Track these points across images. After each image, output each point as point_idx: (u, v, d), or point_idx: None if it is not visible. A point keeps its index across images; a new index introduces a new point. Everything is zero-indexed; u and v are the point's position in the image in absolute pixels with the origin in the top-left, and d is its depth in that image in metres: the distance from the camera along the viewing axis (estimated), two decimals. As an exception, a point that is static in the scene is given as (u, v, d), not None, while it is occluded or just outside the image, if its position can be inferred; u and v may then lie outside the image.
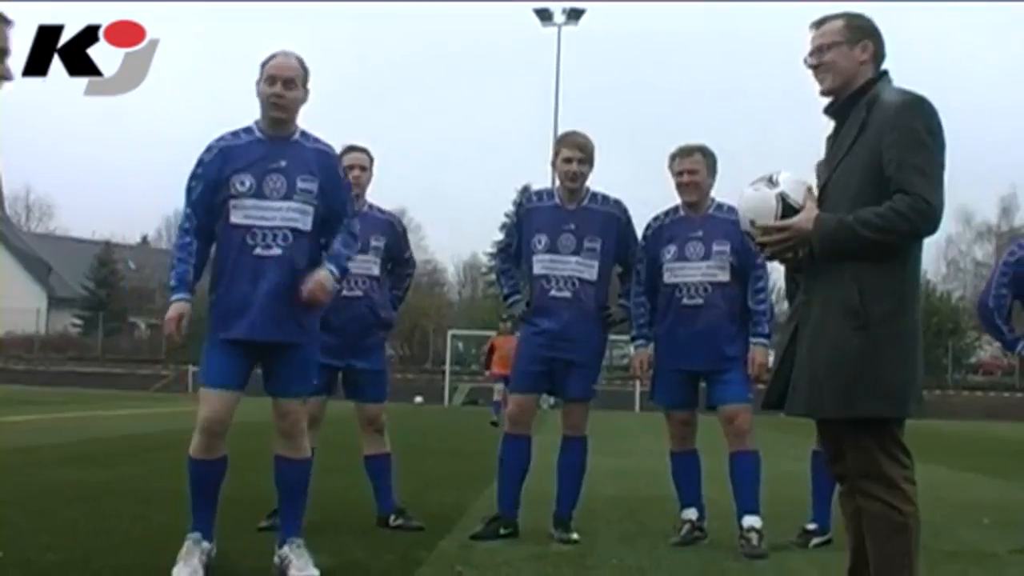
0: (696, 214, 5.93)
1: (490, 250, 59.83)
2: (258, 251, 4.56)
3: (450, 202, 77.73)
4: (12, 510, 6.24)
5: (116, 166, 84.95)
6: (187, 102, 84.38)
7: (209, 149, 4.66)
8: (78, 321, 52.37)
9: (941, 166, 3.51)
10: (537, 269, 5.97)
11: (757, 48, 72.79)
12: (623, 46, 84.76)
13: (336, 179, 4.80)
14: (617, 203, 6.06)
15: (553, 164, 6.10)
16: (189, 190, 4.66)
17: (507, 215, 56.02)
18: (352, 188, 5.98)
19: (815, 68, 3.69)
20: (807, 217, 3.55)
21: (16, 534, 5.37)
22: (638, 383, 31.46)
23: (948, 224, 59.41)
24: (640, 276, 6.01)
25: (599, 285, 6.00)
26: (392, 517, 6.12)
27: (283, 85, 4.61)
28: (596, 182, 6.07)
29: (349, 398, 6.36)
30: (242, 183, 4.58)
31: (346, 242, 4.80)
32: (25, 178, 76.30)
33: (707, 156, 5.93)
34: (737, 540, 5.68)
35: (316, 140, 4.77)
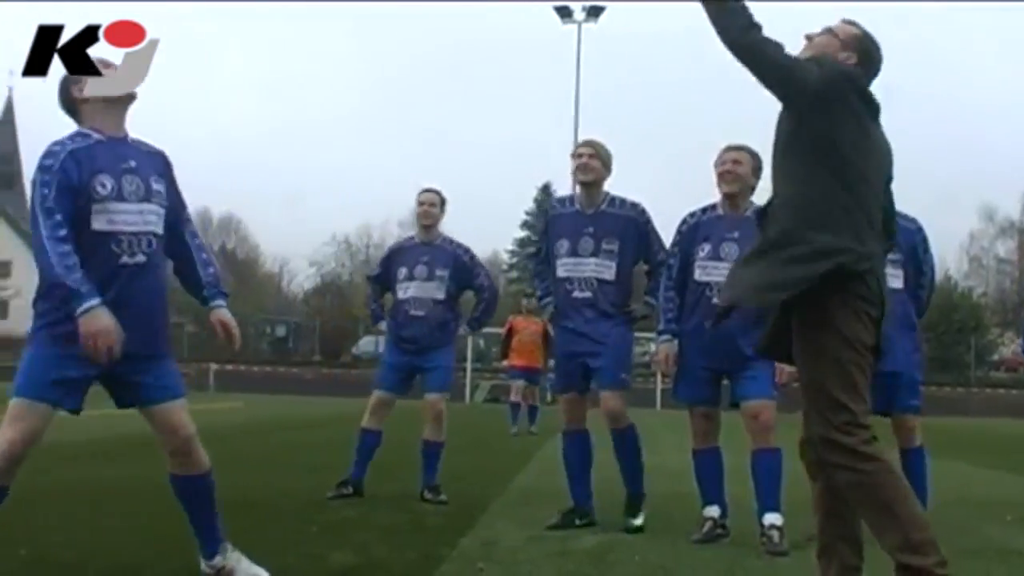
0: (734, 213, 5.93)
1: (510, 247, 59.88)
2: (124, 259, 4.11)
3: (471, 199, 76.70)
4: (14, 507, 6.28)
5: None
6: (187, 101, 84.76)
7: (52, 154, 4.07)
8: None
9: None
10: (560, 272, 6.26)
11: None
12: (643, 43, 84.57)
13: (173, 179, 4.39)
14: (634, 206, 6.26)
15: None
16: (43, 197, 4.02)
17: (527, 213, 56.19)
18: (426, 218, 7.43)
19: None
20: None
21: (19, 532, 5.37)
22: (659, 380, 31.49)
23: (971, 220, 59.29)
24: (671, 271, 6.06)
25: (617, 284, 6.21)
26: (426, 491, 7.26)
27: None
28: (617, 181, 6.33)
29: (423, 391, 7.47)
30: (103, 185, 4.10)
31: (205, 262, 4.44)
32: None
33: (753, 156, 5.93)
34: (758, 538, 5.69)
35: (144, 143, 4.35)
